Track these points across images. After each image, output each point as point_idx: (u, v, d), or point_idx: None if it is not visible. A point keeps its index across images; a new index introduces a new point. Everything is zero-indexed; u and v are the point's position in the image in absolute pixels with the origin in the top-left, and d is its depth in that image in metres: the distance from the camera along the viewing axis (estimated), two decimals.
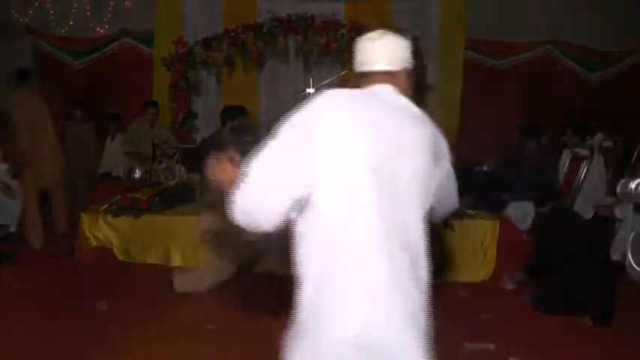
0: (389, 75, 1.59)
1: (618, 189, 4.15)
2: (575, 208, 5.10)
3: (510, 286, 4.38)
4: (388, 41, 1.60)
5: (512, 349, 3.28)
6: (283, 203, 1.41)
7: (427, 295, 1.48)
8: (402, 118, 1.53)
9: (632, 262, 4.14)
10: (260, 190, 1.41)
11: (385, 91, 1.57)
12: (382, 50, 1.60)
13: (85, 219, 4.69)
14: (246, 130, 6.27)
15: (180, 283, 4.06)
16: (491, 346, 3.29)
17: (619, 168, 5.67)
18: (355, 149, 1.42)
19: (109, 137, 6.77)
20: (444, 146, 1.63)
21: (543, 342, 3.39)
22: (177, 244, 4.61)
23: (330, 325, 1.41)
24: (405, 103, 1.58)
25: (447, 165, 1.65)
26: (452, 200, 1.77)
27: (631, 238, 4.20)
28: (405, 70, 1.61)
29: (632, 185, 3.96)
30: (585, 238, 4.03)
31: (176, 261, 4.60)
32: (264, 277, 3.77)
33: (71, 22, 7.46)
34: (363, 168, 1.42)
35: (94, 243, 4.66)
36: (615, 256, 4.27)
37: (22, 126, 4.90)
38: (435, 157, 1.57)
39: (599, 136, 5.87)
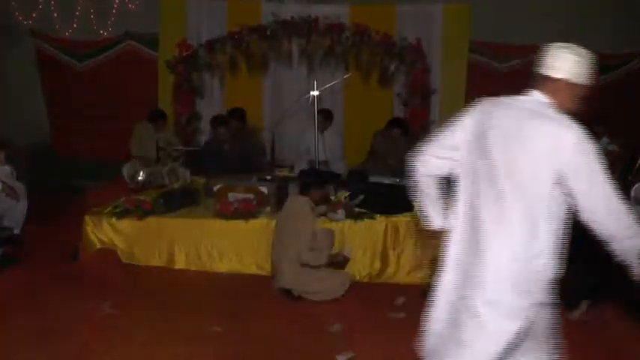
0: (547, 80, 2.07)
1: (632, 193, 4.14)
2: None
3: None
4: (557, 51, 2.08)
5: None
6: None
7: None
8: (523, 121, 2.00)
9: None
10: None
11: (528, 99, 2.09)
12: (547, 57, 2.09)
13: (89, 221, 4.68)
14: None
15: None
16: None
17: (624, 172, 5.64)
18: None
19: None
20: (566, 158, 1.86)
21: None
22: (181, 247, 4.61)
23: None
24: (537, 109, 2.01)
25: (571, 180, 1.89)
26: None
27: None
28: (567, 81, 2.07)
29: None
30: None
31: (180, 263, 4.60)
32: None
33: (75, 25, 7.47)
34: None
35: (98, 245, 4.66)
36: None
37: None
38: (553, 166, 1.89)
39: (604, 140, 5.83)
